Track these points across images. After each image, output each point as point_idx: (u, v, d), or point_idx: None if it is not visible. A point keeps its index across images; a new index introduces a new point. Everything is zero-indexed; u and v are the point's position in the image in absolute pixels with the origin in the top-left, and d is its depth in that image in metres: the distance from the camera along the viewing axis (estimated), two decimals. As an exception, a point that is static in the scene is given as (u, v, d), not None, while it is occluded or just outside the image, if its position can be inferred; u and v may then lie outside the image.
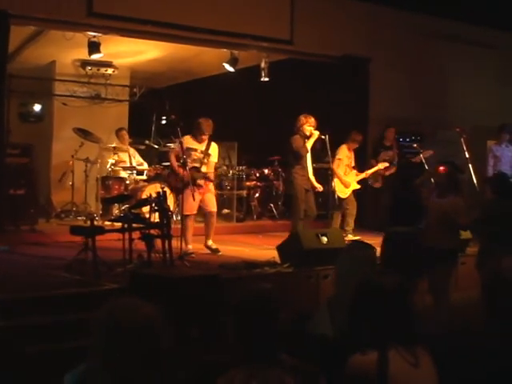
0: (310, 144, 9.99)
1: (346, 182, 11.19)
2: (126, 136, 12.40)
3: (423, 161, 11.26)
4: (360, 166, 11.67)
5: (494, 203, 7.77)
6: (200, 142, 9.66)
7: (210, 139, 9.79)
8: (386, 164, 11.75)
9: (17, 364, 5.31)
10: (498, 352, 2.95)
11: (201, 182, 9.53)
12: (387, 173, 11.94)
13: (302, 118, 9.99)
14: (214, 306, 6.10)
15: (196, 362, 4.25)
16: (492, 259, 3.22)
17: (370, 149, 12.78)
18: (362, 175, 11.44)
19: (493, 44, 15.03)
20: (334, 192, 10.66)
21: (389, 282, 3.09)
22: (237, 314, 2.74)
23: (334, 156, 10.93)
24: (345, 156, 11.28)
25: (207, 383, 2.65)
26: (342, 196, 11.10)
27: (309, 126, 9.93)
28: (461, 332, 3.30)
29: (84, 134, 12.08)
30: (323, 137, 10.01)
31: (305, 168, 10.04)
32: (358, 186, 11.38)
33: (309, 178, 10.10)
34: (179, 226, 9.22)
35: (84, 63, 13.00)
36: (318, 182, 10.33)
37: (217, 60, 12.53)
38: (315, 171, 10.50)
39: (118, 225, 8.49)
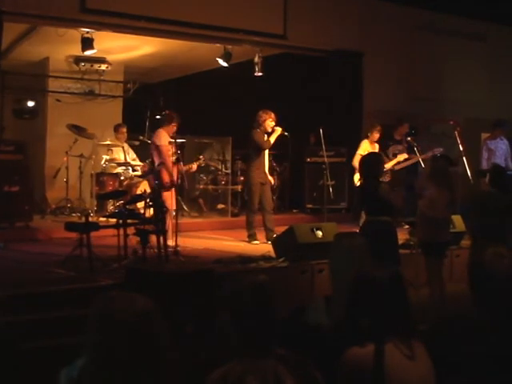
0: (273, 139, 10.03)
1: None
2: (125, 133, 12.35)
3: (421, 162, 11.13)
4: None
5: (490, 196, 7.75)
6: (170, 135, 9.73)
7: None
8: (405, 155, 11.43)
9: (12, 360, 5.31)
10: (488, 339, 2.97)
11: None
12: (397, 167, 11.46)
13: (264, 114, 9.99)
14: (209, 301, 6.11)
15: (191, 358, 4.26)
16: (480, 252, 3.24)
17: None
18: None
19: (485, 37, 15.08)
20: (327, 186, 10.61)
21: (385, 274, 3.10)
22: (233, 306, 2.74)
23: (326, 150, 10.85)
24: (365, 151, 10.90)
25: (202, 379, 2.65)
26: None
27: (271, 122, 9.97)
28: (453, 321, 3.32)
29: (78, 130, 12.05)
30: (286, 133, 10.05)
31: (262, 162, 10.11)
32: None
33: (264, 171, 10.16)
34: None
35: (77, 59, 12.97)
36: (312, 175, 10.35)
37: (210, 55, 12.52)
38: (310, 165, 10.51)
39: (113, 221, 8.50)
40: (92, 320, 2.31)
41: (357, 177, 10.98)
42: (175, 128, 9.74)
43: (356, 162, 11.00)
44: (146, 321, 2.27)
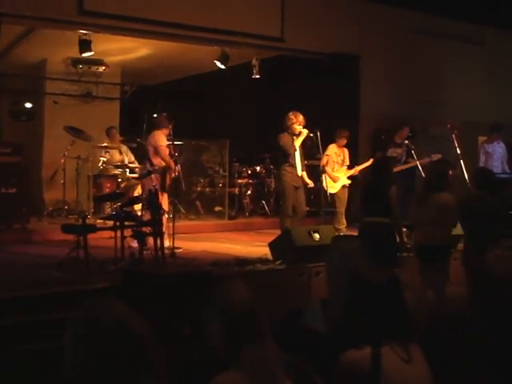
0: (298, 142, 10.00)
1: (335, 176, 11.10)
2: (117, 134, 12.43)
3: (418, 166, 11.09)
4: (351, 162, 11.63)
5: (477, 198, 7.70)
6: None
7: None
8: (369, 163, 11.09)
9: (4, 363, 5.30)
10: (485, 341, 2.97)
11: None
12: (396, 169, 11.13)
13: (292, 117, 9.98)
14: (206, 304, 6.10)
15: (187, 359, 4.25)
16: (476, 255, 3.25)
17: (361, 146, 12.81)
18: (352, 171, 11.33)
19: (482, 40, 15.11)
20: (324, 189, 10.64)
21: (381, 277, 3.10)
22: (225, 310, 2.72)
23: (323, 153, 10.89)
24: (333, 153, 11.16)
25: (198, 381, 2.63)
26: (332, 191, 10.96)
27: (298, 125, 9.96)
28: (450, 323, 3.32)
29: (75, 132, 12.06)
30: (312, 135, 10.05)
31: (293, 165, 10.03)
32: (349, 182, 11.29)
33: (297, 175, 10.09)
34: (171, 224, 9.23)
35: (75, 61, 12.97)
36: (310, 178, 10.35)
37: (208, 57, 12.52)
38: (306, 168, 10.48)
39: (110, 223, 8.49)
40: (75, 328, 2.27)
41: (325, 178, 10.99)
42: (169, 131, 9.88)
43: (324, 162, 11.04)
44: (123, 328, 2.21)
